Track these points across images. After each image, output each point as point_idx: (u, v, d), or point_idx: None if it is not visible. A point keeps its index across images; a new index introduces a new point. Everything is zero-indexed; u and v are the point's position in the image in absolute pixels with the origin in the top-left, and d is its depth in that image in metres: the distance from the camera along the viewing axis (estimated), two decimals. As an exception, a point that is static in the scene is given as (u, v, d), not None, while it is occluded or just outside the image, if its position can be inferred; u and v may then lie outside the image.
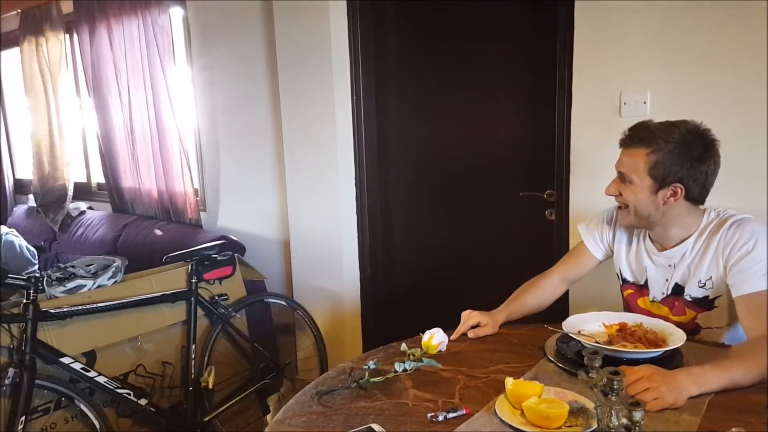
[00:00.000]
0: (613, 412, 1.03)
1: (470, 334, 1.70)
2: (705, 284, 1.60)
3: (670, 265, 1.66)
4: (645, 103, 2.09)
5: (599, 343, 1.46)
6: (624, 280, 1.80)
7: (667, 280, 1.67)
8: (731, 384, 1.30)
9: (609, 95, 2.17)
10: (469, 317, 1.74)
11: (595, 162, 2.23)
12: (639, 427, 0.99)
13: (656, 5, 2.04)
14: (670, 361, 1.42)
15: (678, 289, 1.66)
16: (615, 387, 1.03)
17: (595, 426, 1.11)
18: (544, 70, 2.37)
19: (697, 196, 1.57)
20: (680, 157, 1.52)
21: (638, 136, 1.57)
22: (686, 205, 1.59)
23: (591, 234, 1.84)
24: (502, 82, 2.62)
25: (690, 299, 1.64)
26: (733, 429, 1.06)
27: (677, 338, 1.46)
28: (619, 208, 1.68)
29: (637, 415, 0.97)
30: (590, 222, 1.87)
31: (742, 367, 1.31)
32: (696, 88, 2.01)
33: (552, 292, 1.87)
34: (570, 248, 2.33)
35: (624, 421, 1.01)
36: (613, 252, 1.82)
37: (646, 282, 1.73)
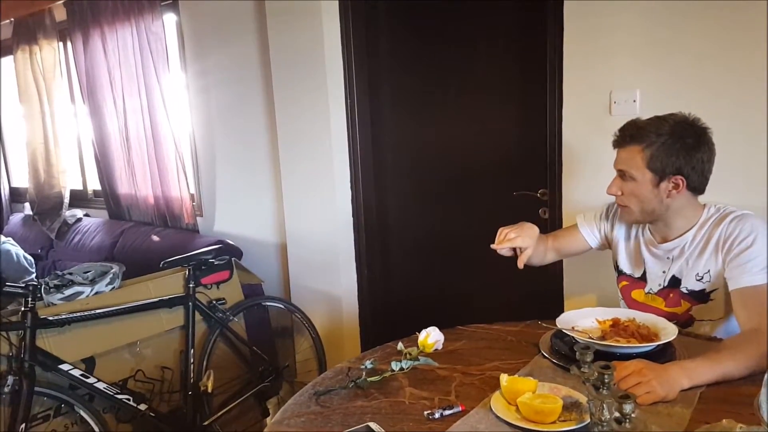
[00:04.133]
0: (604, 405, 1.05)
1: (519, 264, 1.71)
2: (702, 278, 1.62)
3: (668, 258, 1.68)
4: (635, 101, 2.11)
5: (593, 339, 1.48)
6: (620, 272, 1.83)
7: (664, 272, 1.69)
8: (722, 377, 1.32)
9: (599, 94, 2.19)
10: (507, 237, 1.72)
11: (587, 160, 2.25)
12: (630, 419, 1.01)
13: (644, 4, 2.06)
14: (663, 355, 1.44)
15: (674, 282, 1.68)
16: (606, 381, 1.05)
17: (588, 420, 1.12)
18: (535, 70, 2.39)
19: (697, 185, 1.60)
20: (674, 147, 1.55)
21: (629, 134, 1.60)
22: (688, 195, 1.61)
23: (588, 223, 1.88)
24: (495, 82, 2.64)
25: (686, 291, 1.66)
26: (724, 420, 1.08)
27: (669, 332, 1.48)
28: (622, 206, 1.70)
29: (627, 407, 0.99)
30: (587, 213, 1.91)
31: (732, 359, 1.33)
32: (685, 86, 2.03)
33: (544, 251, 1.88)
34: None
35: (615, 414, 1.03)
36: (609, 244, 1.86)
37: (643, 275, 1.75)
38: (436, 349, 1.60)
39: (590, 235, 1.87)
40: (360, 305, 3.14)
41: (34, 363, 2.10)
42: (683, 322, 1.66)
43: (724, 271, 1.57)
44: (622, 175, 1.64)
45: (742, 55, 1.92)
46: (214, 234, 3.69)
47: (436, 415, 1.27)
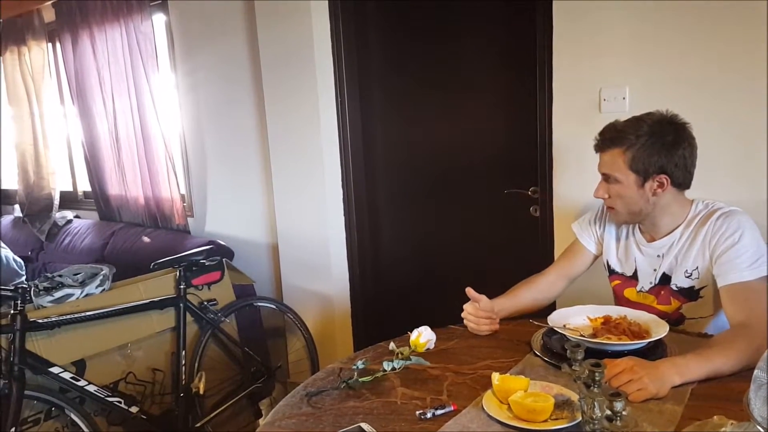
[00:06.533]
0: (595, 403, 1.05)
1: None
2: (691, 274, 1.63)
3: (658, 256, 1.69)
4: (624, 98, 2.12)
5: (584, 337, 1.48)
6: (612, 271, 1.83)
7: (654, 270, 1.70)
8: (713, 373, 1.32)
9: (589, 92, 2.19)
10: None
11: (577, 158, 2.25)
12: (621, 417, 1.00)
13: (632, 2, 2.06)
14: (654, 352, 1.44)
15: (665, 279, 1.68)
16: (596, 379, 1.05)
17: (580, 418, 1.12)
18: (525, 68, 2.39)
19: (682, 181, 1.61)
20: (654, 146, 1.56)
21: (609, 138, 1.62)
22: (674, 192, 1.62)
23: (585, 230, 1.88)
24: (485, 81, 2.64)
25: (676, 289, 1.66)
26: (715, 417, 1.09)
27: (660, 329, 1.48)
28: (609, 208, 1.71)
29: (618, 405, 0.99)
30: (582, 220, 1.91)
31: (723, 356, 1.34)
32: (674, 82, 2.03)
33: (549, 288, 1.88)
34: (555, 243, 2.36)
35: (606, 412, 1.03)
36: (602, 246, 1.85)
37: (634, 273, 1.75)
38: (428, 349, 1.59)
39: (589, 242, 1.87)
40: (352, 304, 3.14)
41: (23, 366, 2.08)
42: (674, 321, 1.66)
43: (712, 267, 1.57)
44: (606, 178, 1.65)
45: (731, 51, 1.92)
46: (205, 235, 3.68)
47: (428, 415, 1.27)
